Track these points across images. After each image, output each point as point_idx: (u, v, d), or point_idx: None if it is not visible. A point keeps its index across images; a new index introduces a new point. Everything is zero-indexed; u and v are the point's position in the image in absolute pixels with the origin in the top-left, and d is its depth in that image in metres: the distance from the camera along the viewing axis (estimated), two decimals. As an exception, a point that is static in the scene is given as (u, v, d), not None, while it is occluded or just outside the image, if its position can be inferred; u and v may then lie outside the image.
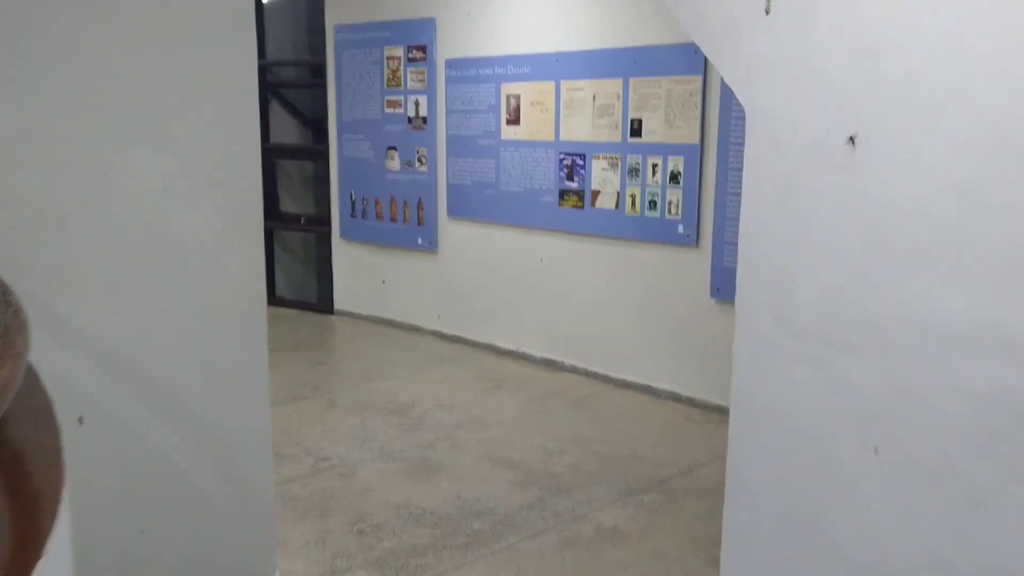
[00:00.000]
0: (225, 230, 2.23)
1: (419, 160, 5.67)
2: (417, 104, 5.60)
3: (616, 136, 4.52)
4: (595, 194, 4.66)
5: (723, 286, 4.13)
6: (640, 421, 4.16)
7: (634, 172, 4.46)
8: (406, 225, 5.82)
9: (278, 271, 6.84)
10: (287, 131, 6.80)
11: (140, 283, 2.07)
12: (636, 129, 4.43)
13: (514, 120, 5.04)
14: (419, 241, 5.76)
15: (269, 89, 6.65)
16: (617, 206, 4.56)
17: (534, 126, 4.93)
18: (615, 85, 4.49)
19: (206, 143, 2.18)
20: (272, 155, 6.69)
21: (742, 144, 3.99)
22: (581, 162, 4.71)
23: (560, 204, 4.86)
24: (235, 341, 2.27)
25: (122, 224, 2.03)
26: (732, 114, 3.98)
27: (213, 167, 2.20)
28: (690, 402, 4.35)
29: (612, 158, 4.56)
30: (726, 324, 4.15)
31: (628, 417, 4.21)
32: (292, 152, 6.78)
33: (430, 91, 5.53)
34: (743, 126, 4.08)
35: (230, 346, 2.26)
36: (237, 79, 2.23)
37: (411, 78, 5.62)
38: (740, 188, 3.88)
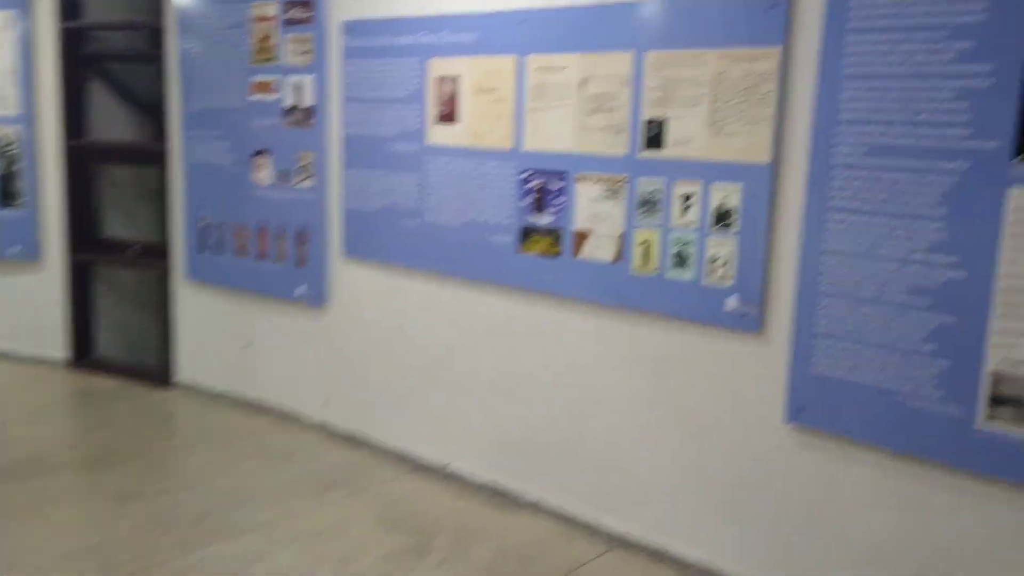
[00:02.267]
0: None
1: (301, 171, 3.80)
2: (299, 88, 3.74)
3: (620, 146, 2.79)
4: (581, 236, 2.92)
5: (811, 404, 2.44)
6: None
7: (649, 205, 2.74)
8: (280, 265, 3.94)
9: (97, 322, 4.81)
10: (115, 123, 4.79)
11: None
12: (655, 136, 2.71)
13: (448, 115, 3.25)
14: (299, 290, 3.89)
15: (88, 62, 4.64)
16: (618, 257, 2.83)
17: (481, 125, 3.15)
18: (620, 62, 2.76)
19: None
20: (91, 157, 4.67)
21: (858, 167, 2.31)
22: (558, 185, 2.96)
23: (521, 248, 3.09)
24: None
25: None
26: (839, 114, 2.31)
27: None
28: (745, 591, 2.65)
29: (612, 181, 2.82)
30: (813, 467, 2.46)
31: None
32: (120, 153, 4.76)
33: (319, 69, 3.67)
34: (860, 134, 2.40)
35: None
36: None
37: (289, 49, 3.75)
38: (848, 242, 2.21)
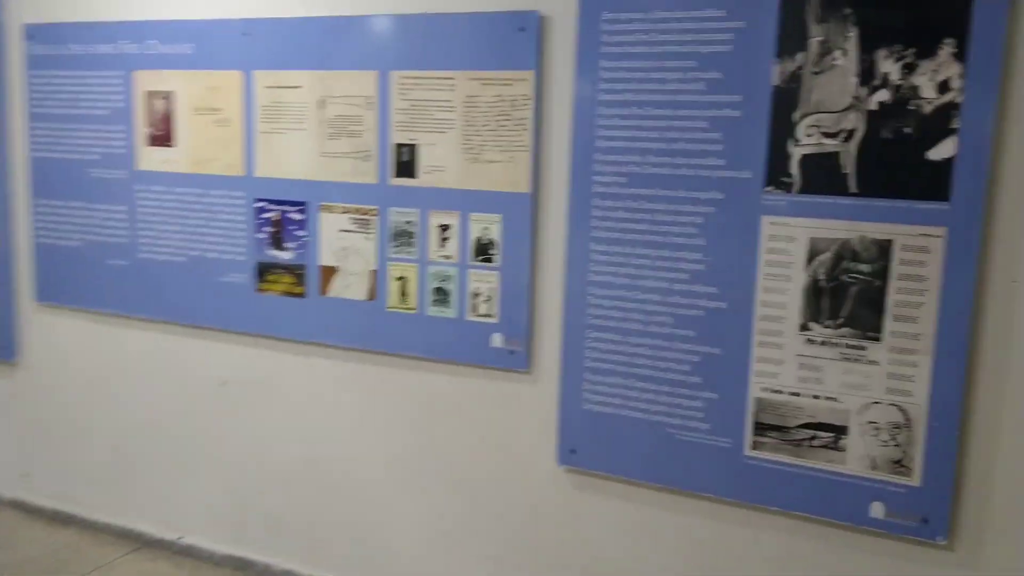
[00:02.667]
0: None
1: (-26, 202, 3.13)
2: (-32, 101, 3.08)
3: (368, 173, 2.54)
4: (328, 273, 2.63)
5: (584, 444, 2.34)
6: None
7: (404, 237, 2.51)
8: (-47, 317, 3.23)
9: None
10: None
11: None
12: (407, 163, 2.48)
13: (163, 137, 2.80)
14: (-19, 346, 3.21)
15: None
16: (372, 295, 2.57)
17: (204, 149, 2.75)
18: (363, 82, 2.50)
19: None
20: None
21: (618, 196, 2.24)
22: (299, 216, 2.65)
23: (260, 288, 2.73)
24: None
25: None
26: (597, 143, 2.23)
27: None
28: (526, 646, 2.49)
29: (361, 212, 2.56)
30: (589, 510, 2.37)
31: None
32: None
33: (-8, 78, 3.05)
34: (619, 163, 2.25)
35: None
36: None
37: (-47, 53, 3.08)
38: (612, 274, 2.13)
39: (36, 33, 2.96)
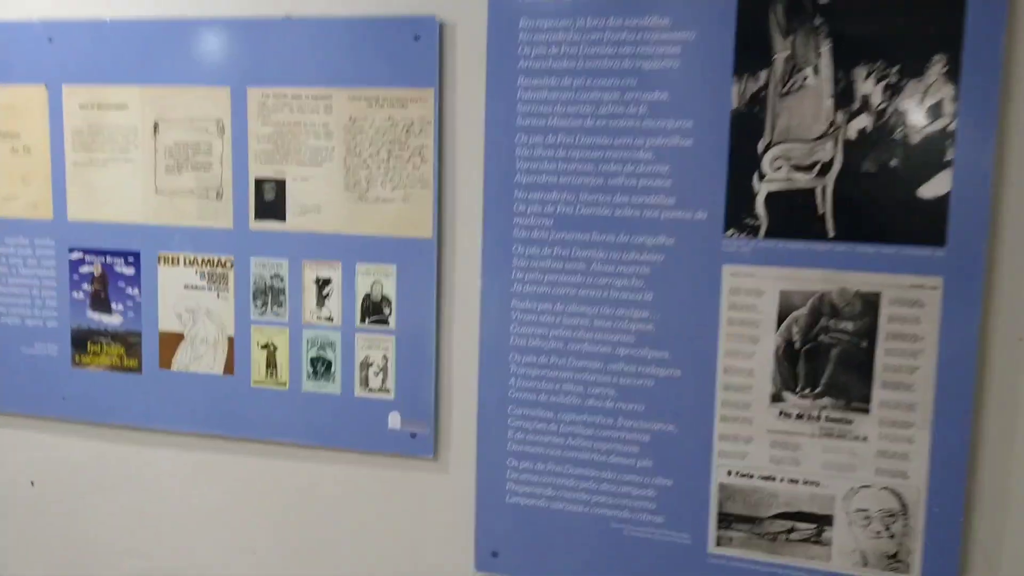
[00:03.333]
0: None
1: None
2: None
3: (221, 215, 2.00)
4: (171, 340, 2.06)
5: (507, 545, 1.90)
6: None
7: (270, 295, 1.99)
8: None
9: None
10: None
11: None
12: (272, 202, 1.97)
13: (-60, 169, 2.15)
14: None
15: None
16: (230, 368, 2.03)
17: (-3, 185, 2.13)
18: (211, 100, 1.97)
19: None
20: None
21: (544, 243, 1.81)
22: (129, 270, 2.07)
23: (78, 362, 2.13)
24: None
25: None
26: (516, 177, 1.81)
27: None
28: None
29: (213, 264, 2.02)
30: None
31: None
32: None
33: None
34: (544, 202, 1.80)
35: None
36: None
37: None
38: (540, 336, 1.73)
39: None
